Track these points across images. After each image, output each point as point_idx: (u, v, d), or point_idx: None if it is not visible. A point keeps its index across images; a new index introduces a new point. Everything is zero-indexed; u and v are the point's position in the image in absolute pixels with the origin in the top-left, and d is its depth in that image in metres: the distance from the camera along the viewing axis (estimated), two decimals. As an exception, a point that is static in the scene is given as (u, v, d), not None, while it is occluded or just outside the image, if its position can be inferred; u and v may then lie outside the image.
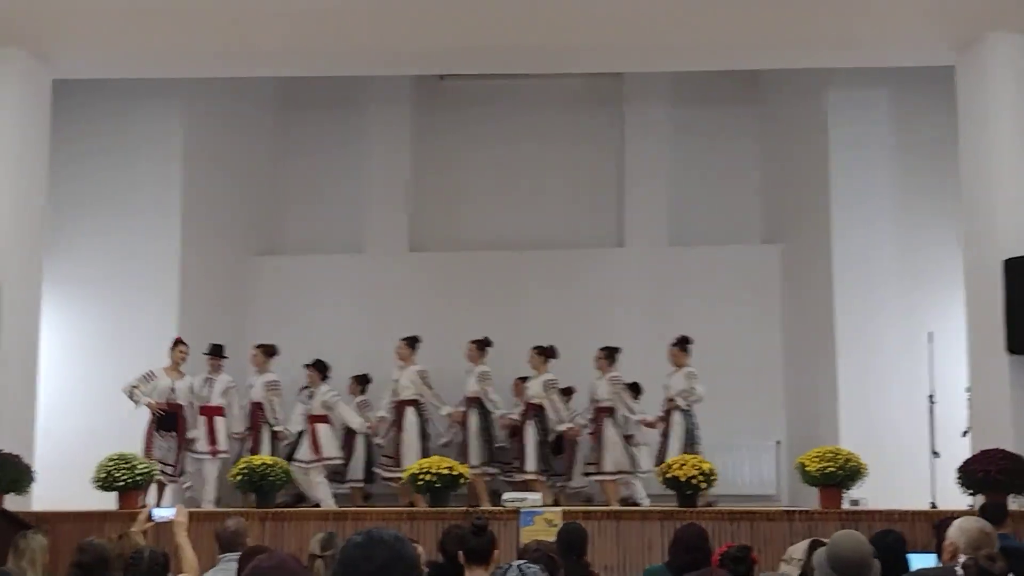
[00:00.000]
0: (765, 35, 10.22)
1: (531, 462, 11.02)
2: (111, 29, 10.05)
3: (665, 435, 11.07)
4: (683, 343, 11.22)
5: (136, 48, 10.41)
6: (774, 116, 13.38)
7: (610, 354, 11.28)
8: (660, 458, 10.74)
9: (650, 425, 11.32)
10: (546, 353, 11.36)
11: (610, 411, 11.24)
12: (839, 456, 9.28)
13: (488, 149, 13.81)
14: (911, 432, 10.91)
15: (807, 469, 9.31)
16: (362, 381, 11.92)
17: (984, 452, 8.93)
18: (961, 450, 9.64)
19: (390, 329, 11.56)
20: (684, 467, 9.47)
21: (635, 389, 11.56)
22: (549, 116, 13.82)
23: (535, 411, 11.20)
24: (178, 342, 11.15)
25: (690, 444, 10.83)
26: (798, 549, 7.43)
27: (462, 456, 10.86)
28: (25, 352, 10.12)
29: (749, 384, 12.15)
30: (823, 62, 11.44)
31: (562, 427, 11.19)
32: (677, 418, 10.99)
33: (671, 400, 11.06)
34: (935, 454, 10.27)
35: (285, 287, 13.12)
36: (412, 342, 11.38)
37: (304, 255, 13.48)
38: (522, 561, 3.66)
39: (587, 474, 11.29)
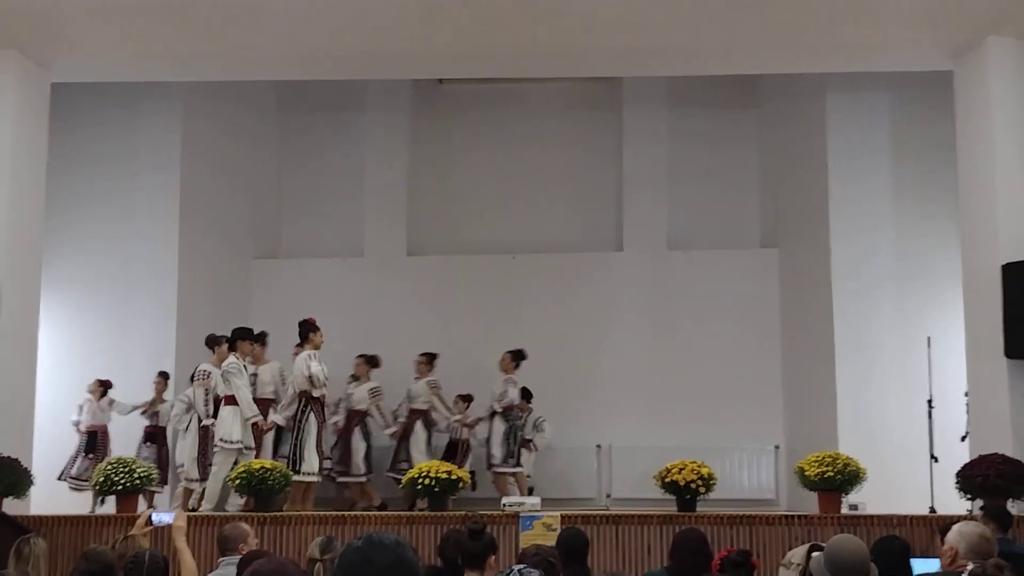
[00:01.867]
0: (764, 40, 10.22)
1: (359, 466, 11.51)
2: (110, 33, 10.05)
3: (488, 438, 11.67)
4: (517, 356, 11.63)
5: (135, 52, 10.41)
6: (773, 121, 13.39)
7: (429, 359, 11.79)
8: (488, 458, 11.61)
9: (468, 427, 11.83)
10: (370, 362, 11.74)
11: (423, 413, 11.77)
12: (838, 461, 9.27)
13: (487, 153, 13.82)
14: (910, 436, 10.91)
15: (806, 474, 9.31)
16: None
17: (983, 457, 8.92)
18: (960, 454, 9.63)
19: (389, 333, 11.58)
20: (683, 471, 9.46)
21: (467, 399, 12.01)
22: (548, 120, 13.83)
23: (359, 417, 11.64)
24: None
25: (515, 444, 11.52)
26: (797, 553, 7.43)
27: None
28: (24, 355, 10.11)
29: (748, 389, 12.15)
30: (822, 67, 11.44)
31: (388, 431, 11.63)
32: (497, 422, 11.58)
33: (491, 404, 11.71)
34: (934, 458, 10.26)
35: (284, 291, 13.12)
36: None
37: (303, 259, 13.49)
38: (522, 565, 3.65)
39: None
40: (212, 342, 10.94)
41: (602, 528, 9.02)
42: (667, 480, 9.53)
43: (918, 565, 5.96)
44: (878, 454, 10.73)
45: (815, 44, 10.31)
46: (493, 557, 5.36)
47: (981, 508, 7.86)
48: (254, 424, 10.56)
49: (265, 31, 10.05)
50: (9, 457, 9.02)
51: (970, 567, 4.67)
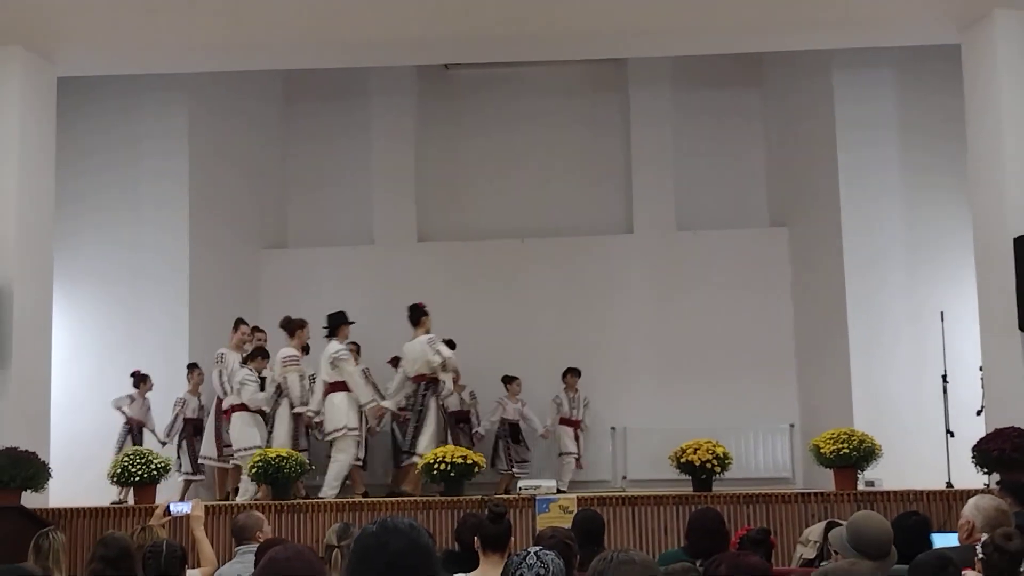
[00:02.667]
0: (769, 17, 10.18)
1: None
2: (115, 26, 10.04)
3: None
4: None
5: (140, 44, 10.41)
6: (779, 98, 13.34)
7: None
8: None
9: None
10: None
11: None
12: (853, 437, 9.26)
13: (493, 138, 13.80)
14: (925, 412, 10.89)
15: (821, 451, 9.30)
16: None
17: (999, 431, 8.90)
18: (976, 429, 9.61)
19: (399, 320, 11.54)
20: (698, 451, 9.46)
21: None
22: (554, 103, 13.81)
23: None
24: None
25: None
26: (815, 531, 7.45)
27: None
28: (38, 349, 10.14)
29: (761, 368, 12.14)
30: (827, 43, 11.38)
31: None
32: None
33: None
34: (949, 433, 10.23)
35: (294, 280, 13.14)
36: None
37: (312, 248, 13.49)
38: (538, 547, 3.64)
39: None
40: (294, 326, 10.85)
41: (618, 510, 9.04)
42: (682, 460, 9.54)
43: (939, 540, 5.95)
44: (893, 430, 10.71)
45: (820, 20, 10.25)
46: (512, 540, 5.36)
47: (998, 482, 7.85)
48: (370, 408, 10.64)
49: (269, 20, 10.04)
50: (27, 451, 9.07)
51: (982, 537, 4.68)
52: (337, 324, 10.67)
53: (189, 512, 6.82)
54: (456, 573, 5.41)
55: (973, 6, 9.95)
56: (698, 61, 12.92)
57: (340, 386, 10.50)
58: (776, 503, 9.03)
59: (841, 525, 6.36)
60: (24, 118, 10.12)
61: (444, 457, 9.51)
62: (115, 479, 9.75)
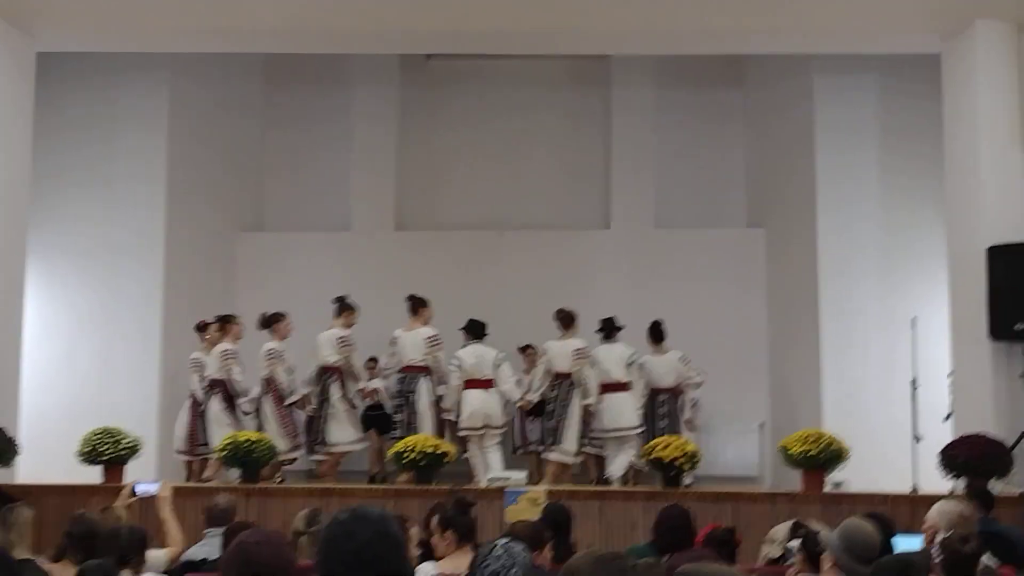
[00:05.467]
0: (752, 20, 10.23)
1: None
2: (95, 3, 10.00)
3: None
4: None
5: (122, 22, 10.35)
6: (760, 100, 13.39)
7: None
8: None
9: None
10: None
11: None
12: (821, 439, 9.32)
13: (474, 129, 13.79)
14: (894, 415, 10.96)
15: (790, 452, 9.36)
16: None
17: (965, 437, 9.00)
18: (943, 434, 9.70)
19: (375, 307, 11.55)
20: (667, 448, 9.51)
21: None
22: (536, 97, 13.80)
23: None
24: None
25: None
26: (780, 530, 7.50)
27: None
28: (9, 325, 10.10)
29: (733, 367, 12.19)
30: (809, 48, 11.44)
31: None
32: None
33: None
34: (917, 438, 10.32)
35: (271, 263, 13.10)
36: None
37: (289, 232, 13.45)
38: (506, 539, 3.67)
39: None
40: (272, 320, 10.89)
41: (587, 504, 9.07)
42: (652, 457, 9.58)
43: (901, 542, 6.02)
44: (862, 432, 10.79)
45: (803, 25, 10.31)
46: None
47: (966, 487, 7.93)
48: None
49: (254, 4, 10.01)
50: (-6, 426, 9.03)
51: (939, 538, 4.76)
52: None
53: (156, 492, 6.81)
54: (425, 561, 5.45)
55: (954, 17, 10.03)
56: (681, 59, 12.95)
57: (486, 383, 10.61)
58: (744, 502, 9.09)
59: (806, 526, 6.42)
60: (2, 93, 10.06)
61: (414, 446, 9.52)
62: (84, 458, 9.70)
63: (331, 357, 10.85)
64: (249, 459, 9.64)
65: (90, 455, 9.65)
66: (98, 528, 5.37)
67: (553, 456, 10.72)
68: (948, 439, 9.28)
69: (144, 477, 7.99)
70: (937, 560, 4.68)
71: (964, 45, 10.09)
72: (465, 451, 10.67)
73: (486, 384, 10.63)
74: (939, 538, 4.97)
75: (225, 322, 11.15)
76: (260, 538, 3.49)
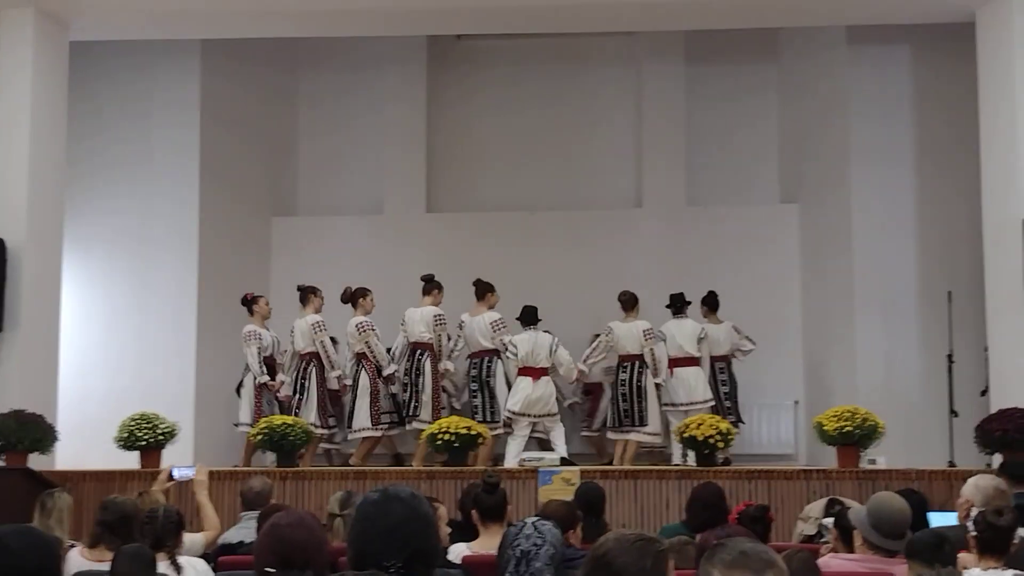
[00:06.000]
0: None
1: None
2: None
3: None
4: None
5: (153, 9, 10.42)
6: (792, 74, 13.26)
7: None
8: None
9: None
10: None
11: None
12: (856, 415, 9.27)
13: (504, 109, 13.76)
14: (930, 391, 10.91)
15: (824, 428, 9.32)
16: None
17: (1002, 411, 8.92)
18: (980, 409, 9.63)
19: (408, 290, 11.58)
20: (701, 427, 9.50)
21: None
22: (566, 76, 13.74)
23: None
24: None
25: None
26: (815, 507, 7.48)
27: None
28: (46, 313, 10.21)
29: (768, 344, 12.12)
30: (841, 19, 11.33)
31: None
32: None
33: None
34: (953, 413, 10.26)
35: (303, 248, 13.15)
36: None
37: (322, 216, 13.50)
38: (536, 518, 3.69)
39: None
40: (358, 295, 10.96)
41: (621, 483, 9.09)
42: (686, 435, 9.57)
43: (936, 518, 5.99)
44: (898, 409, 10.75)
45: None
46: (509, 509, 5.42)
47: (1000, 465, 7.87)
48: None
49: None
50: (34, 413, 9.13)
51: (974, 512, 4.72)
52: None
53: (193, 476, 6.87)
54: (457, 542, 5.48)
55: (989, -16, 9.90)
56: (712, 35, 12.85)
57: (540, 372, 10.63)
58: (778, 479, 9.07)
59: (841, 503, 6.40)
60: (36, 82, 10.14)
61: (448, 427, 9.56)
62: (121, 443, 9.80)
63: (425, 334, 10.86)
64: (284, 443, 9.70)
65: (127, 441, 9.75)
66: (129, 511, 5.42)
67: (635, 436, 10.76)
68: (985, 414, 9.20)
69: (181, 462, 8.05)
70: (972, 534, 4.65)
71: (999, 12, 9.95)
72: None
73: (539, 373, 10.63)
74: (974, 512, 4.93)
75: (310, 293, 11.15)
76: (293, 520, 3.53)
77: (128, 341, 11.99)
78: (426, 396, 10.74)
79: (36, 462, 9.11)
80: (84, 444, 10.38)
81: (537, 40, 13.42)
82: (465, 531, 5.80)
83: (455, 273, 11.43)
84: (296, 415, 10.59)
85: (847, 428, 9.19)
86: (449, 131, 13.81)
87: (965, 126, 10.83)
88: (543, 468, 9.10)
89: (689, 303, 11.37)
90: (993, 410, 9.18)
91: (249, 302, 11.12)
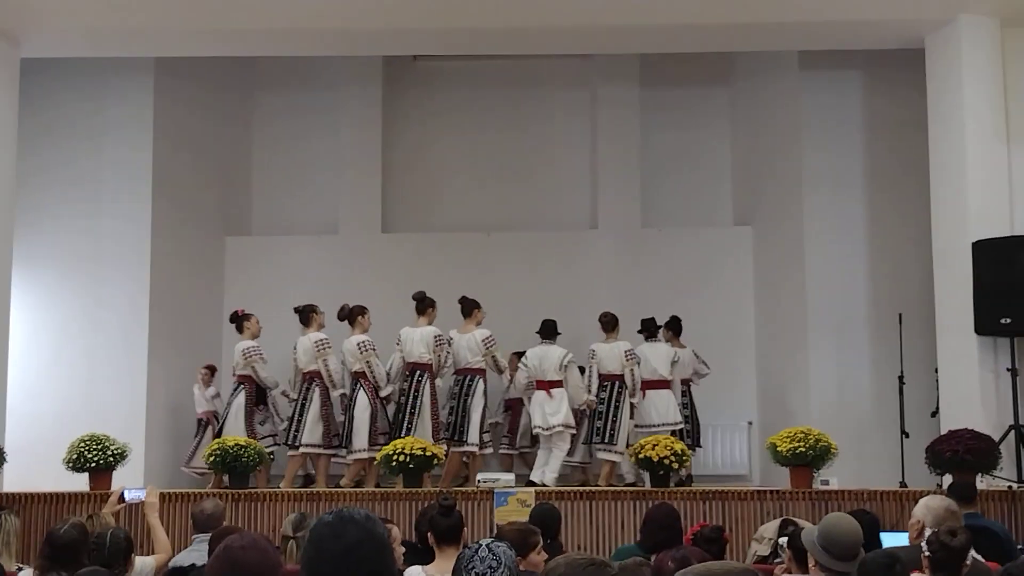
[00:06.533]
0: (737, 17, 10.24)
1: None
2: (80, 8, 9.96)
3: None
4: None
5: (105, 27, 10.32)
6: (746, 98, 13.40)
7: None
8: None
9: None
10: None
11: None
12: (809, 436, 9.34)
13: (461, 130, 13.78)
14: (881, 412, 11.01)
15: (778, 449, 9.37)
16: None
17: (952, 432, 9.01)
18: (930, 430, 9.73)
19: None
20: (656, 448, 9.53)
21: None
22: (521, 97, 13.80)
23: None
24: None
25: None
26: (769, 528, 7.53)
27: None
28: (-5, 334, 10.06)
29: (722, 366, 12.20)
30: (795, 45, 11.49)
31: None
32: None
33: None
34: (904, 434, 10.36)
35: (257, 268, 13.07)
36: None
37: (276, 236, 13.42)
38: (490, 540, 3.67)
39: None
40: (355, 313, 10.97)
41: (576, 504, 9.08)
42: (640, 456, 9.60)
43: (888, 539, 6.03)
44: (850, 429, 10.85)
45: (788, 22, 10.32)
46: (465, 531, 5.39)
47: (949, 487, 7.95)
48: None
49: (238, 6, 9.99)
50: (-20, 435, 8.99)
51: (926, 533, 4.75)
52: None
53: (143, 499, 6.78)
54: (413, 565, 5.44)
55: (938, 11, 10.07)
56: (666, 59, 12.96)
57: (548, 385, 10.63)
58: (732, 500, 9.10)
59: (795, 523, 6.43)
60: (-14, 99, 10.02)
61: (403, 448, 9.51)
62: (71, 465, 9.65)
63: (425, 355, 10.76)
64: (237, 464, 9.61)
65: (77, 462, 9.60)
66: (75, 539, 5.26)
67: (606, 455, 10.76)
68: (935, 435, 9.30)
69: (131, 484, 7.95)
70: (926, 554, 4.68)
71: (948, 40, 10.12)
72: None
73: (551, 385, 10.66)
74: (926, 533, 4.97)
75: (311, 312, 11.12)
76: (247, 542, 3.48)
77: (78, 361, 11.82)
78: (424, 417, 10.62)
79: (-18, 484, 8.96)
80: (33, 465, 10.22)
81: (493, 62, 13.46)
82: (421, 553, 5.76)
83: (411, 294, 11.38)
84: (296, 435, 10.68)
85: (800, 449, 9.25)
86: (405, 151, 13.81)
87: (915, 151, 10.99)
88: (499, 489, 9.08)
89: (660, 327, 11.42)
90: (943, 431, 9.29)
91: (240, 319, 11.03)
